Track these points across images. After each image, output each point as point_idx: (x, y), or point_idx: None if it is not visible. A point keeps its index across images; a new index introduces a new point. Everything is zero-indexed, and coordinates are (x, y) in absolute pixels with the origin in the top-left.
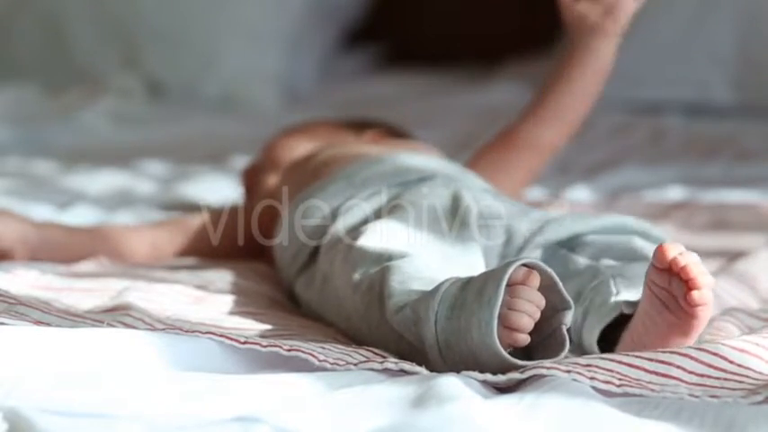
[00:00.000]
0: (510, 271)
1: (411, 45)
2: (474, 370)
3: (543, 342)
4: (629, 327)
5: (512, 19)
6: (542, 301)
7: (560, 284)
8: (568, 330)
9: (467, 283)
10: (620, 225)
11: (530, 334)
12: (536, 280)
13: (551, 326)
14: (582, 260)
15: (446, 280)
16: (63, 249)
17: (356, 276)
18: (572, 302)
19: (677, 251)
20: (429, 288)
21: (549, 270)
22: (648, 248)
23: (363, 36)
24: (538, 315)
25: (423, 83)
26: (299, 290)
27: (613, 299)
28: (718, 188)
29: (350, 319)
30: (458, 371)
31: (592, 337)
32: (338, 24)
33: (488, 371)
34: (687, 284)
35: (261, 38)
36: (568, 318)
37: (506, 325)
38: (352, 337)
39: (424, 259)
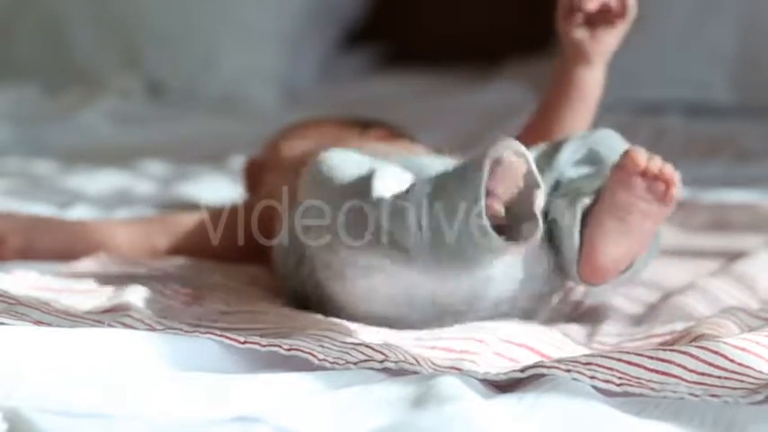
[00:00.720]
0: (490, 152)
1: (411, 45)
2: (456, 254)
3: (519, 225)
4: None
5: (512, 19)
6: (519, 178)
7: (533, 166)
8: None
9: (444, 172)
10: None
11: (506, 217)
12: (514, 159)
13: (525, 207)
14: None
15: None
16: (57, 240)
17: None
18: (541, 182)
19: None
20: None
21: (524, 151)
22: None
23: (363, 36)
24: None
25: (423, 83)
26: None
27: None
28: (718, 188)
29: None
30: (440, 256)
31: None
32: (338, 24)
33: (471, 251)
34: (667, 184)
35: (261, 38)
36: (540, 197)
37: (489, 202)
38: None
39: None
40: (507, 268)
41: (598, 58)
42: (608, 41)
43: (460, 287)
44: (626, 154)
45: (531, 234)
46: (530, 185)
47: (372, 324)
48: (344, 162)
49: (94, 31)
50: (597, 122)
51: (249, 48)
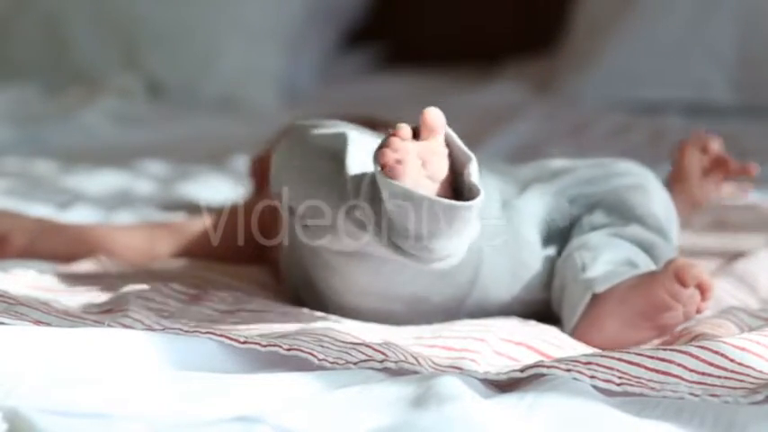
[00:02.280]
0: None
1: (411, 45)
2: (406, 227)
3: (459, 196)
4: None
5: (512, 19)
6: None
7: (457, 140)
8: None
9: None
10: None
11: (451, 190)
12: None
13: (463, 178)
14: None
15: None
16: (59, 242)
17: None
18: (472, 155)
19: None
20: None
21: (449, 131)
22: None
23: (363, 36)
24: (401, 147)
25: (423, 83)
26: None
27: (581, 276)
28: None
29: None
30: (398, 243)
31: (569, 324)
32: (338, 24)
33: (416, 220)
34: (703, 296)
35: (261, 38)
36: (473, 167)
37: (381, 163)
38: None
39: None
40: (492, 271)
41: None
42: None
43: (448, 285)
44: (686, 267)
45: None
46: (460, 159)
47: (363, 319)
48: (321, 125)
49: (94, 31)
50: (597, 122)
51: (249, 48)
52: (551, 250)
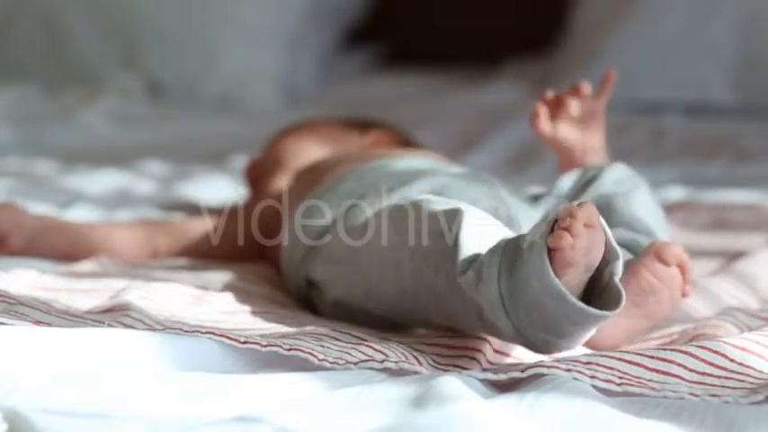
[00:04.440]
0: (559, 211)
1: (411, 45)
2: (539, 322)
3: (601, 295)
4: None
5: (512, 18)
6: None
7: (609, 234)
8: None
9: (521, 235)
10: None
11: (587, 289)
12: (581, 214)
13: (604, 278)
14: None
15: (504, 238)
16: (59, 241)
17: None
18: (620, 252)
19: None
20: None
21: (600, 219)
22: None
23: (363, 36)
24: (582, 234)
25: (423, 83)
26: (317, 272)
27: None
28: (719, 188)
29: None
30: (522, 328)
31: None
32: (338, 24)
33: (553, 319)
34: (684, 278)
35: (261, 38)
36: (618, 267)
37: (552, 247)
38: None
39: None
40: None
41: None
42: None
43: None
44: (665, 246)
45: (616, 306)
46: (605, 256)
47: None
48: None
49: (94, 31)
50: None
51: (249, 48)
52: None
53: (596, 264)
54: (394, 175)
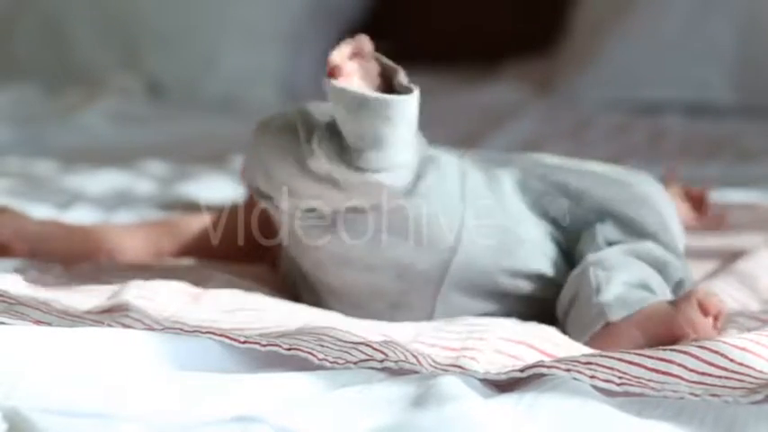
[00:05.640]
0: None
1: (411, 45)
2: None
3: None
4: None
5: (511, 19)
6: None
7: (383, 58)
8: None
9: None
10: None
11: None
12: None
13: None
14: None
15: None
16: (61, 246)
17: None
18: (397, 66)
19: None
20: None
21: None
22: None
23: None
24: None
25: (423, 83)
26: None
27: (595, 299)
28: (718, 188)
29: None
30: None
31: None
32: (338, 24)
33: (363, 127)
34: (715, 324)
35: (261, 38)
36: (402, 75)
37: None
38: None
39: None
40: (475, 238)
41: None
42: None
43: (430, 251)
44: (709, 297)
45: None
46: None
47: (355, 300)
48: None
49: (94, 31)
50: (597, 122)
51: (249, 48)
52: (543, 225)
53: (375, 71)
54: None
